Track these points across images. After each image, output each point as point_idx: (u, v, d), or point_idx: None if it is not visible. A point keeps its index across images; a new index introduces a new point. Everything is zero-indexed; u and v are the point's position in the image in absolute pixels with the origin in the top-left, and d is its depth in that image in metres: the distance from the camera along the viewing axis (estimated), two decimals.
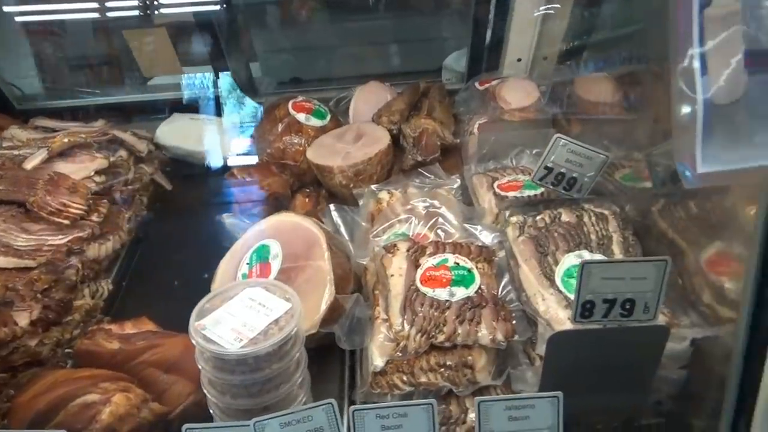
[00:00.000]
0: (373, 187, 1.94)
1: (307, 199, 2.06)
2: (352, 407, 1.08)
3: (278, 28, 2.84)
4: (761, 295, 1.07)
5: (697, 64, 0.86)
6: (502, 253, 1.61)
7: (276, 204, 2.00)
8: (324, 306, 1.44)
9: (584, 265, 1.10)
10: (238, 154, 2.33)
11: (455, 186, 1.93)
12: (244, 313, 1.24)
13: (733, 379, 1.15)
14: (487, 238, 1.69)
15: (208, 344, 1.17)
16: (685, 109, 0.86)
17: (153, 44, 2.32)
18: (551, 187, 1.63)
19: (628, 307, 1.12)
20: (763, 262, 1.05)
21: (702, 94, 0.86)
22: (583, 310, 1.15)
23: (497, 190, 1.81)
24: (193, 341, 1.19)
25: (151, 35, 2.32)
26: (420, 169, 2.02)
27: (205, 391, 1.26)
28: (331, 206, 1.89)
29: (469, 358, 1.33)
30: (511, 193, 1.77)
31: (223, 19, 2.35)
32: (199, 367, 1.23)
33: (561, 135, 1.56)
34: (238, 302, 1.27)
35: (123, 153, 2.12)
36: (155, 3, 2.27)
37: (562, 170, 1.59)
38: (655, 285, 1.10)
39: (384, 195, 1.90)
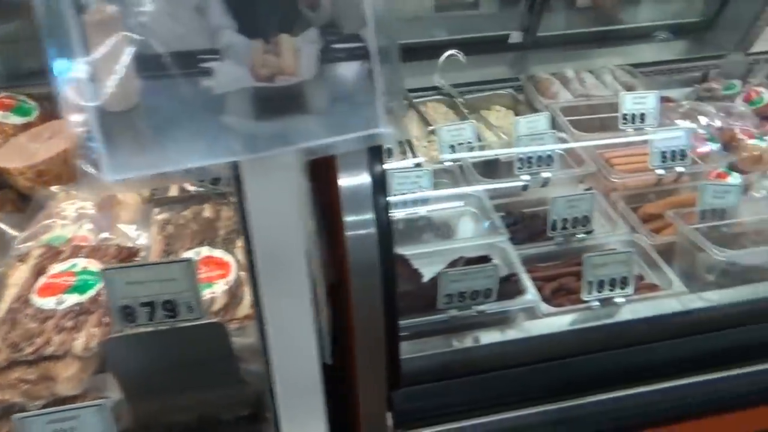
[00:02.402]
0: (53, 188, 1.86)
1: None
2: None
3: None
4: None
5: (84, 73, 0.83)
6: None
7: None
8: None
9: (104, 271, 1.09)
10: None
11: None
12: None
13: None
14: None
15: None
16: (79, 119, 0.84)
17: None
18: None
19: (170, 308, 1.13)
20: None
21: (93, 102, 0.84)
22: (124, 315, 1.14)
23: None
24: None
25: None
26: None
27: None
28: None
29: (53, 370, 1.29)
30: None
31: None
32: None
33: None
34: None
35: None
36: None
37: None
38: (189, 285, 1.10)
39: (62, 195, 1.82)
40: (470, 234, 2.06)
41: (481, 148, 2.34)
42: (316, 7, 0.79)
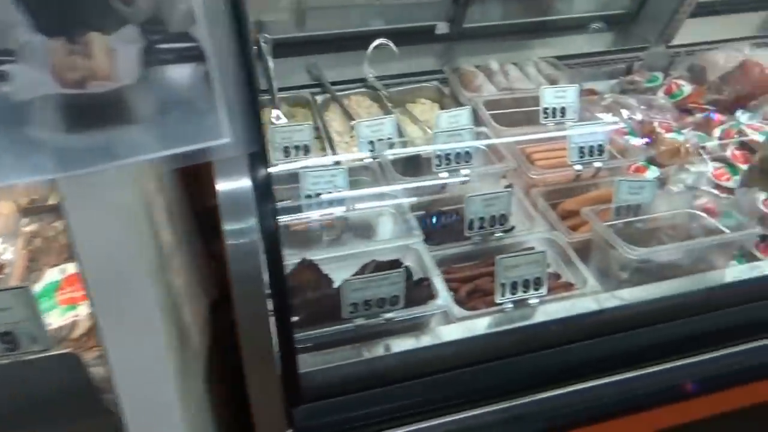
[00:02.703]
0: None
1: None
2: None
3: None
4: None
5: None
6: None
7: None
8: None
9: None
10: None
11: None
12: None
13: None
14: None
15: None
16: None
17: None
18: None
19: (9, 340, 1.00)
20: None
21: None
22: None
23: None
24: None
25: None
26: None
27: None
28: None
29: None
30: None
31: None
32: None
33: None
34: None
35: None
36: None
37: None
38: (28, 314, 0.98)
39: None
40: (389, 235, 1.99)
41: (404, 144, 2.26)
42: (130, 1, 0.68)
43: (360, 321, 1.49)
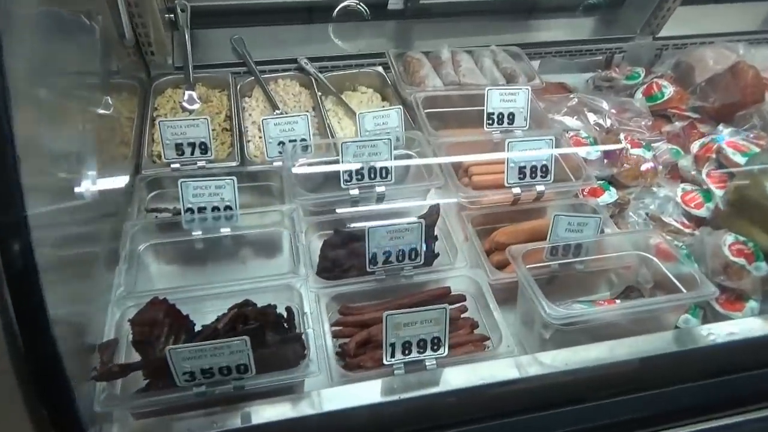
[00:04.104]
0: None
1: None
2: None
3: None
4: None
5: None
6: None
7: None
8: None
9: None
10: None
11: None
12: None
13: None
14: None
15: None
16: None
17: None
18: None
19: None
20: None
21: None
22: None
23: None
24: None
25: None
26: None
27: None
28: None
29: None
30: None
31: None
32: None
33: None
34: None
35: None
36: None
37: None
38: None
39: None
40: (282, 261, 1.68)
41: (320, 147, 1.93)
42: None
43: (201, 389, 1.21)
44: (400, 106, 1.92)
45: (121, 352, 1.39)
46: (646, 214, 1.91)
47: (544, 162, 1.71)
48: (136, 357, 1.37)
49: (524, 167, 1.71)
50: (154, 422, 1.28)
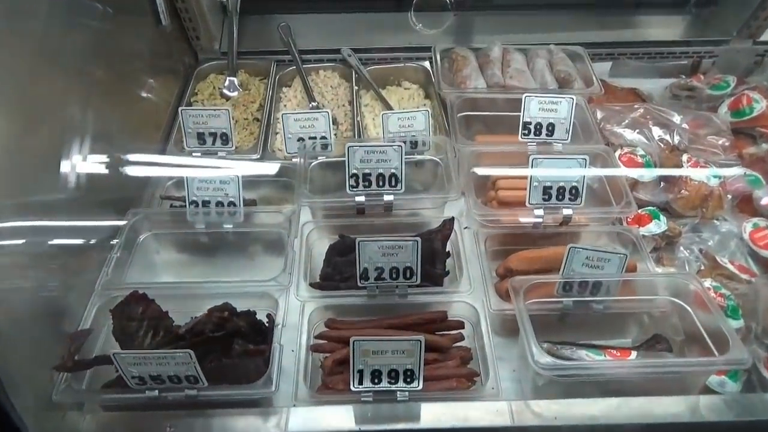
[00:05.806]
0: None
1: None
2: None
3: None
4: None
5: None
6: None
7: None
8: None
9: None
10: None
11: None
12: None
13: None
14: None
15: None
16: None
17: None
18: None
19: None
20: None
21: None
22: None
23: None
24: None
25: None
26: None
27: None
28: None
29: None
30: None
31: None
32: None
33: None
34: None
35: None
36: None
37: None
38: None
39: None
40: (278, 263, 1.62)
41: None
42: None
43: (153, 393, 1.19)
44: (428, 109, 1.79)
45: (100, 340, 1.41)
46: (700, 250, 1.66)
47: (574, 183, 1.52)
48: (116, 346, 1.39)
49: (550, 187, 1.53)
50: (118, 416, 1.29)
